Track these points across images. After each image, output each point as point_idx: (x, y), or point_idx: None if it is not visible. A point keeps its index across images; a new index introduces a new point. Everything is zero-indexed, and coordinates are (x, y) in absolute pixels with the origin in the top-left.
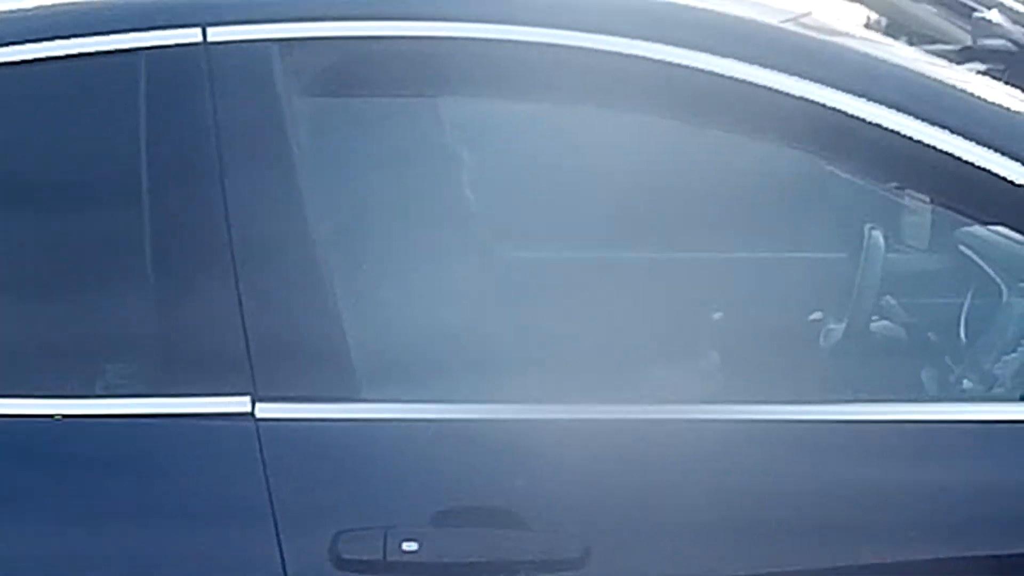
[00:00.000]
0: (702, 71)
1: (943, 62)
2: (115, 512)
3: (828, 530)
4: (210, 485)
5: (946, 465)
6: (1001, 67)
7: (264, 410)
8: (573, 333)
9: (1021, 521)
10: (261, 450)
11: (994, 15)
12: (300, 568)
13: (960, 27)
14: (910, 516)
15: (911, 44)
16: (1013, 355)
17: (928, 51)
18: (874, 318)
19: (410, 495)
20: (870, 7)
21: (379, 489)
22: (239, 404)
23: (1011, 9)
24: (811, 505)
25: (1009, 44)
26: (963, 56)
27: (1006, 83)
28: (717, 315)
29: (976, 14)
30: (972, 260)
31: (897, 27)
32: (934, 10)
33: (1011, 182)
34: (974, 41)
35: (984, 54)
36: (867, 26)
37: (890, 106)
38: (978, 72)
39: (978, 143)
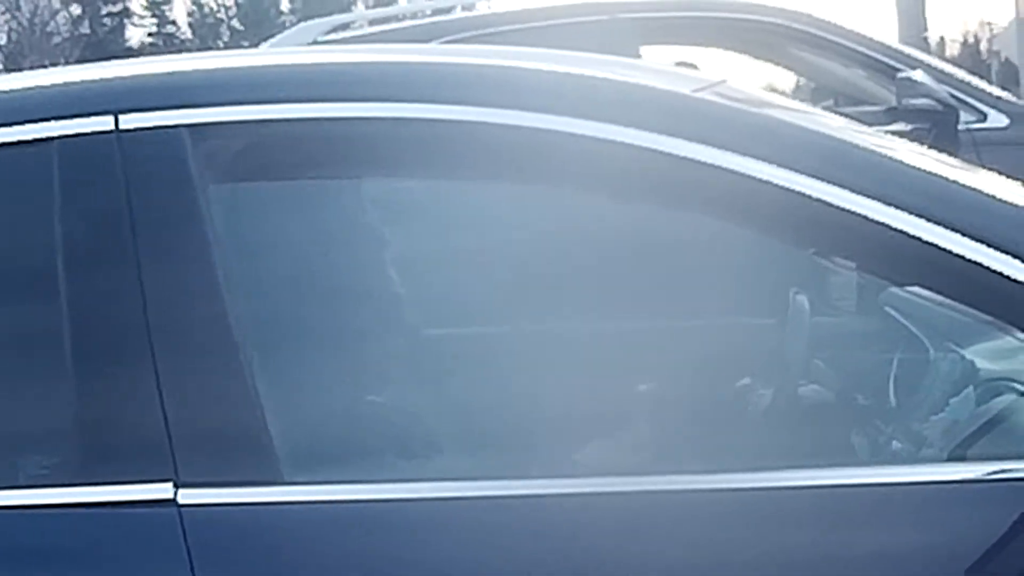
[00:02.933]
0: (617, 143)
1: (862, 127)
2: None
3: None
4: (134, 573)
5: (879, 528)
6: (926, 126)
7: (186, 496)
8: (498, 410)
9: None
10: (184, 536)
11: (919, 75)
12: None
13: (887, 88)
14: None
15: (837, 106)
16: (942, 414)
17: (854, 112)
18: (803, 382)
19: None
20: (797, 72)
21: (305, 571)
22: (161, 491)
23: (936, 68)
24: (742, 574)
25: (934, 103)
26: (889, 116)
27: (931, 142)
28: (643, 386)
29: (900, 74)
30: (898, 321)
31: (824, 90)
32: (863, 73)
33: (933, 245)
34: (899, 101)
35: (909, 114)
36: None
37: (801, 172)
38: (903, 132)
39: (895, 207)
